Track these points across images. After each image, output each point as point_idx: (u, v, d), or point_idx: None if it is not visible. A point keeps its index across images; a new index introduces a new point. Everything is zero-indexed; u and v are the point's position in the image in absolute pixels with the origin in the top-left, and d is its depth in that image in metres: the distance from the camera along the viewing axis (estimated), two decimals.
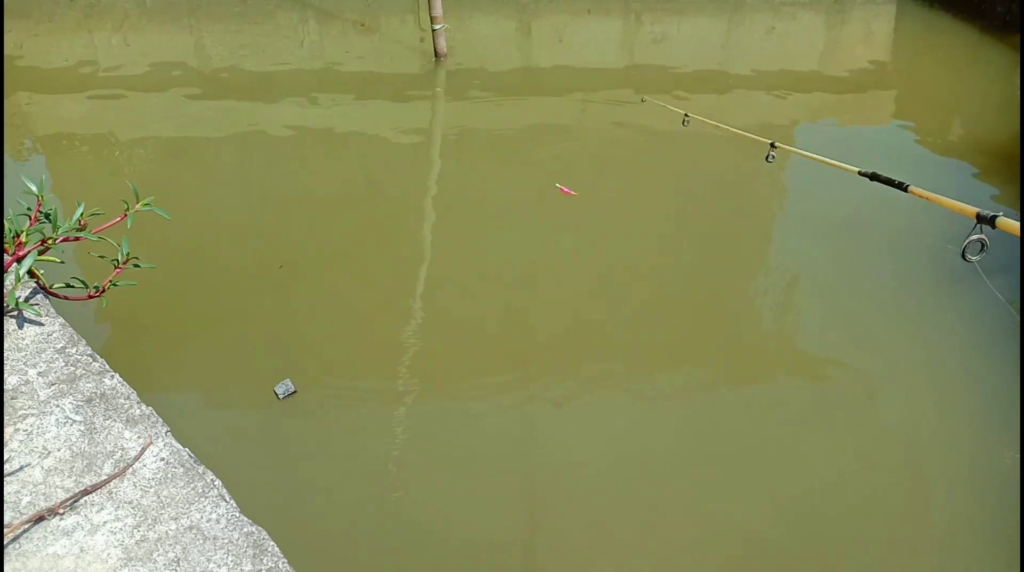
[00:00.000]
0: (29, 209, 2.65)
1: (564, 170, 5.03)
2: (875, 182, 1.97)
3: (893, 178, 1.94)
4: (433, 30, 6.74)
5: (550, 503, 2.73)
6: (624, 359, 3.41)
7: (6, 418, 2.07)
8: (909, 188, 1.87)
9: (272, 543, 1.82)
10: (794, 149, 2.54)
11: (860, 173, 2.05)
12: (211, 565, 1.73)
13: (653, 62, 7.28)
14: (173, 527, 1.81)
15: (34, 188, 2.65)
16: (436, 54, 6.88)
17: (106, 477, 1.92)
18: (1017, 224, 1.46)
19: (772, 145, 2.71)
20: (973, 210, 1.57)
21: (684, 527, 2.66)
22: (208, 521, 1.84)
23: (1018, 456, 2.77)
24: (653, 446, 2.97)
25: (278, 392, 3.07)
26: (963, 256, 1.57)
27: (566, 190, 4.25)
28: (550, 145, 5.51)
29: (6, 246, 2.50)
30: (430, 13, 6.63)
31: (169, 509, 1.86)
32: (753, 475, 2.86)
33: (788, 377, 3.36)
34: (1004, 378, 3.25)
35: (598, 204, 4.53)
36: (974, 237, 1.56)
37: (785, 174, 5.28)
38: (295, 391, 3.08)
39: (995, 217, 1.50)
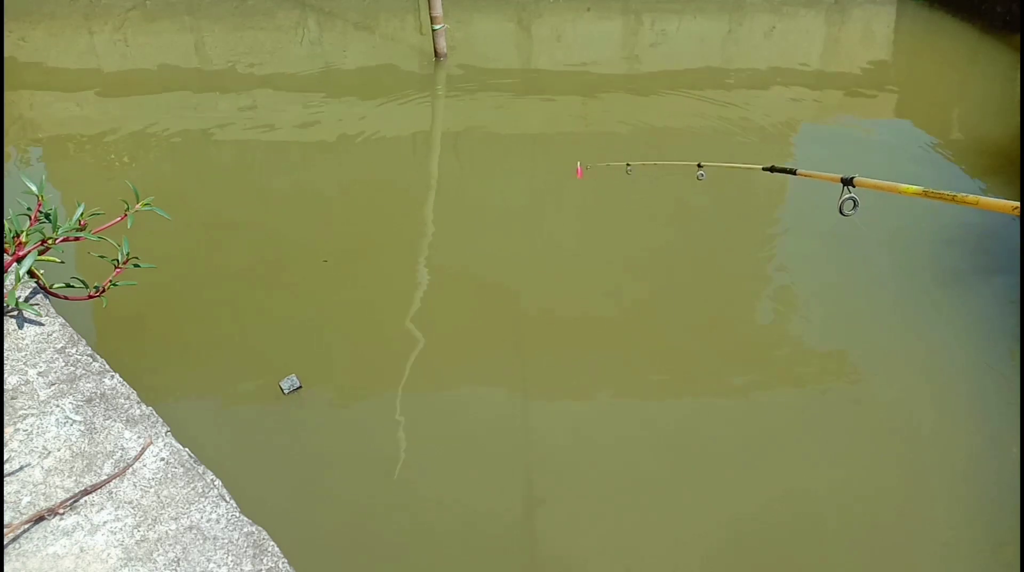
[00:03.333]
0: (29, 209, 2.65)
1: (564, 168, 5.03)
2: (774, 173, 2.48)
3: (784, 166, 2.43)
4: (433, 30, 6.74)
5: (552, 500, 2.73)
6: (624, 356, 3.41)
7: (6, 418, 2.07)
8: (797, 171, 2.34)
9: (272, 543, 1.82)
10: (716, 164, 3.06)
11: (763, 168, 2.55)
12: (211, 565, 1.74)
13: (653, 62, 7.28)
14: (173, 527, 1.81)
15: (34, 188, 2.65)
16: (436, 54, 6.88)
17: (106, 477, 1.92)
18: (873, 181, 1.85)
19: (699, 165, 3.21)
20: (837, 177, 1.96)
21: (679, 525, 2.66)
22: (208, 521, 1.84)
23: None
24: (652, 444, 2.98)
25: (283, 387, 3.07)
26: (840, 211, 1.92)
27: (580, 171, 4.27)
28: (550, 144, 5.51)
29: (6, 246, 2.51)
30: (430, 13, 6.63)
31: (169, 509, 1.86)
32: (750, 474, 2.86)
33: (786, 376, 3.37)
34: (1004, 378, 3.25)
35: (599, 202, 4.53)
36: (845, 196, 1.92)
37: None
38: (300, 386, 3.08)
39: (852, 178, 1.89)
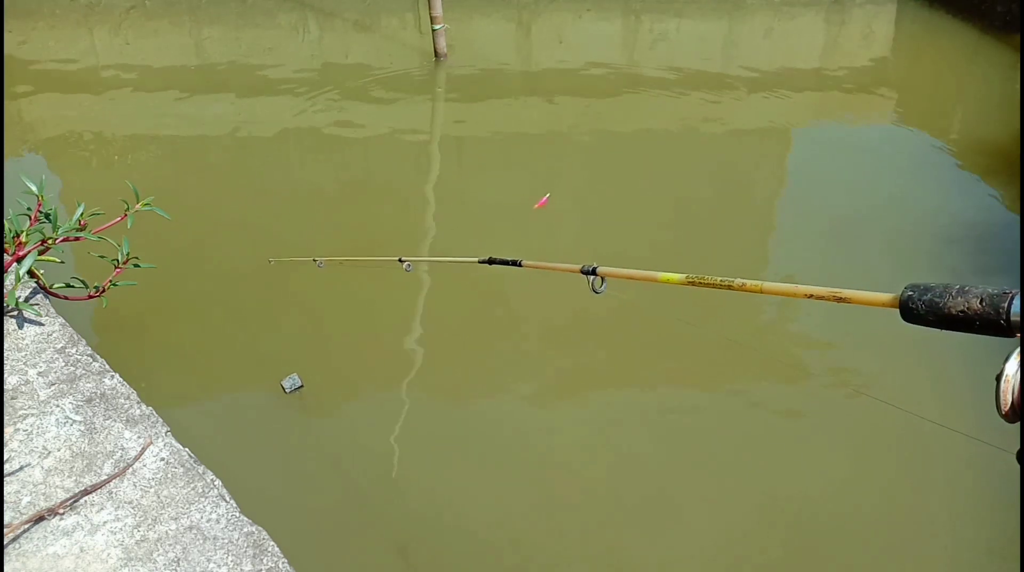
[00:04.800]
0: (29, 209, 2.65)
1: (564, 169, 5.04)
2: (492, 265, 2.20)
3: (507, 259, 2.16)
4: (433, 30, 6.73)
5: (552, 497, 2.74)
6: (623, 355, 3.41)
7: (6, 418, 2.07)
8: (522, 263, 2.10)
9: (272, 543, 1.82)
10: (421, 258, 2.97)
11: (480, 261, 2.28)
12: (211, 565, 1.74)
13: (653, 62, 7.28)
14: (173, 527, 1.81)
15: (34, 188, 2.65)
16: (436, 54, 6.88)
17: (106, 477, 1.92)
18: (621, 271, 1.72)
19: (401, 260, 2.94)
20: (576, 267, 1.84)
21: (680, 530, 2.66)
22: (208, 521, 1.84)
23: None
24: (648, 447, 2.98)
25: (285, 386, 3.07)
26: (593, 289, 1.82)
27: (543, 202, 4.24)
28: (550, 144, 5.51)
29: (6, 246, 2.51)
30: (430, 13, 6.62)
31: (169, 509, 1.86)
32: (748, 478, 2.86)
33: (785, 378, 3.36)
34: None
35: (598, 203, 4.54)
36: (592, 279, 1.81)
37: (781, 176, 5.29)
38: (302, 385, 3.08)
39: (595, 268, 1.79)
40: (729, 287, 1.32)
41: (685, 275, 1.44)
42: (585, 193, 4.61)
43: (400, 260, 2.90)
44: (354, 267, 3.93)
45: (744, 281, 1.30)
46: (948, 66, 7.26)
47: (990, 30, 7.44)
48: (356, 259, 3.39)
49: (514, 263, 2.10)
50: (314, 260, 3.47)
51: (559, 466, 2.88)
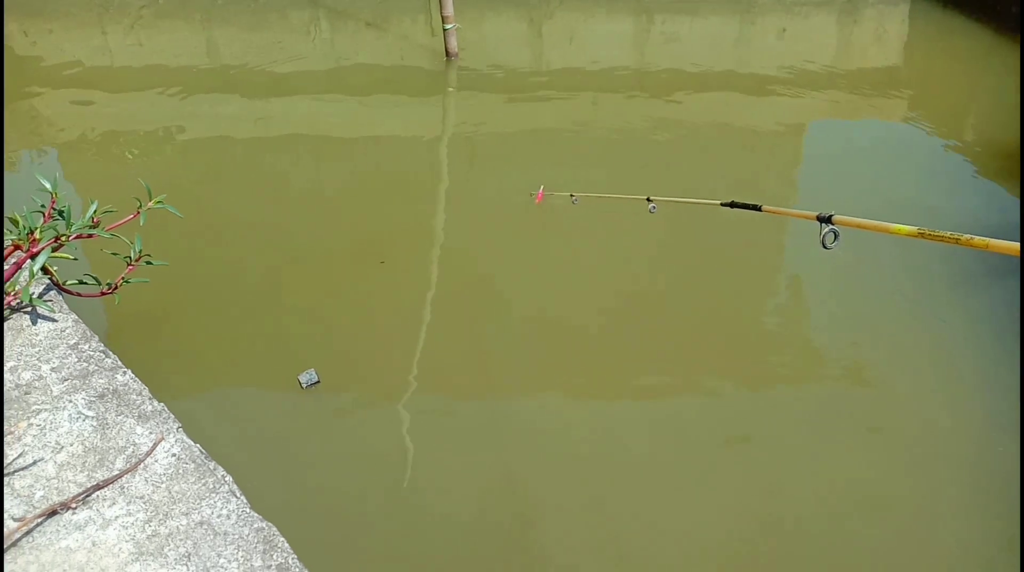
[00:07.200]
0: (43, 206, 2.67)
1: (576, 168, 5.03)
2: (734, 208, 2.26)
3: (748, 202, 2.20)
4: (444, 29, 6.75)
5: (557, 497, 2.74)
6: (635, 357, 3.40)
7: (20, 413, 2.09)
8: (762, 207, 2.13)
9: (282, 539, 1.83)
10: (669, 198, 2.95)
11: (722, 204, 2.34)
12: (221, 560, 1.75)
13: (665, 62, 7.27)
14: (184, 522, 1.83)
15: (48, 185, 2.67)
16: (447, 53, 6.89)
17: (118, 472, 1.94)
18: (856, 219, 1.73)
19: (648, 199, 3.13)
20: (813, 214, 1.85)
21: (685, 530, 2.66)
22: (219, 517, 1.85)
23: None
24: (657, 447, 2.97)
25: (301, 381, 3.08)
26: (823, 245, 1.82)
27: (540, 195, 4.28)
28: (562, 144, 5.51)
29: (20, 242, 2.53)
30: (441, 12, 6.64)
31: (180, 504, 1.87)
32: (757, 476, 2.85)
33: (795, 377, 3.35)
34: (1014, 379, 3.23)
35: (607, 203, 4.53)
36: (826, 229, 1.82)
37: (793, 176, 5.27)
38: (318, 381, 3.09)
39: (831, 216, 1.80)
40: (956, 241, 1.39)
41: (917, 227, 1.50)
42: (595, 191, 4.60)
43: (648, 199, 3.14)
44: (366, 266, 3.95)
45: (971, 237, 1.37)
46: (961, 66, 7.21)
47: (1004, 30, 7.38)
48: (608, 196, 3.60)
49: (754, 207, 2.16)
50: (571, 195, 3.86)
51: (566, 464, 2.88)
